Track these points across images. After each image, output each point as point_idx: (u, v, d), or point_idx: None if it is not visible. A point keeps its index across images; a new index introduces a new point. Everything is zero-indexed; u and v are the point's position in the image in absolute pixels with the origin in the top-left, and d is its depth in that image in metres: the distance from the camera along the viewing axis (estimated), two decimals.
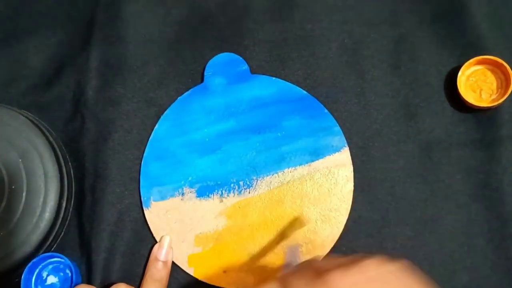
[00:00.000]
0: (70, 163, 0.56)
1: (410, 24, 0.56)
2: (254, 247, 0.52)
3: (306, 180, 0.53)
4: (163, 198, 0.53)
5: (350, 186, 0.52)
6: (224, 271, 0.51)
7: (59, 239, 0.54)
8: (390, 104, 0.55)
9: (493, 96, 0.53)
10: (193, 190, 0.53)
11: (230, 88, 0.56)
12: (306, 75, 0.56)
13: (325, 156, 0.53)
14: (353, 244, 0.52)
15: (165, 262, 0.51)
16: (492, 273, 0.50)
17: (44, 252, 0.52)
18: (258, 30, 0.57)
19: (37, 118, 0.56)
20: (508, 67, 0.52)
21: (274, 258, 0.51)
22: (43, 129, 0.54)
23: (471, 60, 0.53)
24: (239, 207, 0.53)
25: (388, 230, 0.52)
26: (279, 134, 0.54)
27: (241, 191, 0.53)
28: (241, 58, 0.56)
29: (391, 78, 0.55)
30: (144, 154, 0.55)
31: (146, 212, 0.53)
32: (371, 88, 0.55)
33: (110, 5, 0.59)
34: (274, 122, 0.54)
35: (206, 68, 0.56)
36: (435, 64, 0.55)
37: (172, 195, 0.54)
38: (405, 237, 0.52)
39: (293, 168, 0.53)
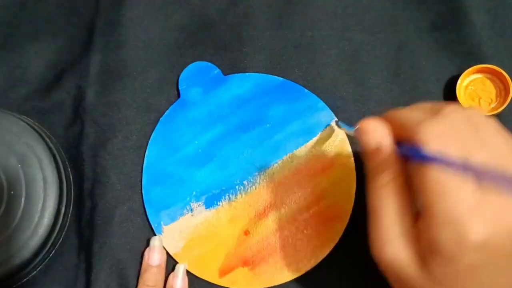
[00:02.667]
0: (69, 169, 0.56)
1: (410, 32, 0.57)
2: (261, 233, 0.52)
3: (306, 160, 0.53)
4: (173, 219, 0.53)
5: (348, 149, 0.53)
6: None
7: (58, 245, 0.54)
8: None
9: (492, 105, 0.53)
10: (200, 203, 0.53)
11: (208, 95, 0.56)
12: (306, 83, 0.56)
13: (317, 133, 0.54)
14: (353, 248, 0.52)
15: (158, 266, 0.51)
16: None
17: (43, 258, 0.52)
18: (258, 37, 0.57)
19: (37, 124, 0.56)
20: (507, 76, 0.52)
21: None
22: (43, 134, 0.54)
23: (470, 69, 0.53)
24: (249, 205, 0.53)
25: None
26: (268, 125, 0.54)
27: (247, 190, 0.53)
28: (209, 63, 0.56)
29: (390, 85, 0.56)
30: (143, 183, 0.54)
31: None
32: (371, 95, 0.55)
33: (111, 11, 0.59)
34: (259, 115, 0.55)
35: (180, 83, 0.56)
36: (434, 72, 0.55)
37: (181, 214, 0.53)
38: None
39: (291, 153, 0.54)
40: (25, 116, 0.56)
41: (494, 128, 0.35)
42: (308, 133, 0.54)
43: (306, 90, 0.55)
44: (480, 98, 0.53)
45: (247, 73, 0.56)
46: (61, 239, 0.54)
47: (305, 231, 0.52)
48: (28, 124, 0.53)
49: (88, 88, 0.57)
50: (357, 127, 0.40)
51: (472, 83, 0.54)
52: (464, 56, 0.55)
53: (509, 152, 0.33)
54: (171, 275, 0.52)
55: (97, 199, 0.54)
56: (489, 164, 0.32)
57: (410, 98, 0.55)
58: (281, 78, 0.56)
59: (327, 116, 0.54)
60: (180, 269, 0.51)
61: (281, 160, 0.54)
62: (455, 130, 0.33)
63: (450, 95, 0.54)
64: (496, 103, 0.53)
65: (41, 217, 0.50)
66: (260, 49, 0.57)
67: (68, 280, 0.53)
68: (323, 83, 0.56)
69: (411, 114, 0.37)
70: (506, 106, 0.52)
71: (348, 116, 0.55)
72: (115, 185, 0.55)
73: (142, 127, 0.56)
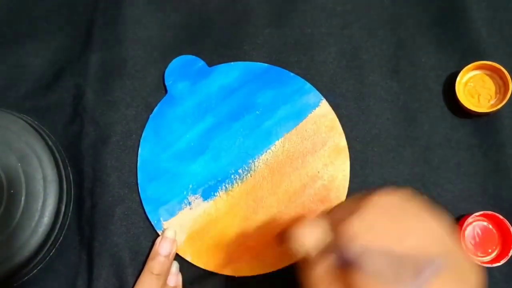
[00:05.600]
0: (69, 167, 0.56)
1: (409, 29, 0.57)
2: (262, 216, 0.53)
3: (298, 143, 0.54)
4: (172, 215, 0.53)
5: (338, 127, 0.54)
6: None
7: (58, 244, 0.54)
8: (389, 109, 0.55)
9: (492, 102, 0.53)
10: (197, 196, 0.54)
11: (195, 88, 0.56)
12: (305, 80, 0.56)
13: (307, 116, 0.54)
14: None
15: (166, 256, 0.51)
16: (491, 278, 0.51)
17: (43, 256, 0.52)
18: (257, 34, 0.57)
19: (36, 122, 0.56)
20: (506, 72, 0.52)
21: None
22: (43, 133, 0.54)
23: (469, 66, 0.53)
24: (247, 193, 0.53)
25: None
26: (257, 112, 0.55)
27: (243, 178, 0.54)
28: (193, 56, 0.56)
29: (390, 82, 0.56)
30: (138, 181, 0.54)
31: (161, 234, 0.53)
32: (370, 93, 0.55)
33: (110, 9, 0.59)
34: (248, 103, 0.55)
35: (165, 78, 0.56)
36: (434, 69, 0.55)
37: (180, 209, 0.53)
38: None
39: (282, 138, 0.54)
40: (24, 115, 0.56)
41: (417, 215, 0.33)
42: (297, 116, 0.54)
43: (292, 74, 0.55)
44: (479, 95, 0.53)
45: (232, 63, 0.56)
46: (61, 237, 0.54)
47: (304, 213, 0.52)
48: (28, 123, 0.53)
49: (87, 87, 0.57)
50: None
51: (472, 80, 0.54)
52: (463, 53, 0.55)
53: (432, 239, 0.32)
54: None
55: (97, 198, 0.54)
56: (413, 254, 0.31)
57: (410, 95, 0.55)
58: (266, 64, 0.56)
59: (315, 97, 0.55)
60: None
61: (274, 145, 0.54)
62: (374, 225, 0.32)
63: (449, 92, 0.54)
64: (496, 99, 0.53)
65: (41, 215, 0.51)
66: (259, 47, 0.57)
67: (68, 278, 0.53)
68: (322, 80, 0.56)
69: (334, 215, 0.36)
70: (506, 103, 0.52)
71: (348, 113, 0.55)
72: (114, 184, 0.55)
73: (141, 126, 0.56)
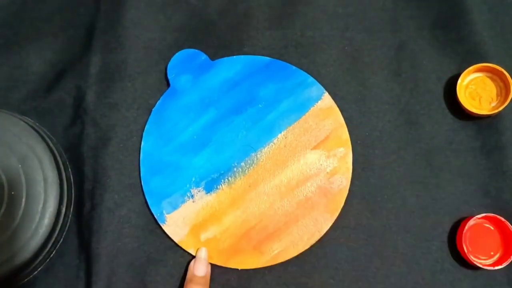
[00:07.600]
0: (69, 169, 0.55)
1: (410, 31, 0.57)
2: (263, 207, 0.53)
3: (300, 136, 0.54)
4: (175, 207, 0.53)
5: (341, 120, 0.54)
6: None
7: (58, 245, 0.54)
8: (391, 111, 0.55)
9: (493, 104, 0.53)
10: (200, 189, 0.54)
11: (197, 81, 0.56)
12: None
13: (309, 109, 0.55)
14: (353, 253, 0.52)
15: (204, 277, 0.51)
16: (493, 281, 0.50)
17: (44, 258, 0.52)
18: (258, 37, 0.57)
19: (37, 124, 0.56)
20: (507, 74, 0.52)
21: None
22: (43, 134, 0.54)
23: (470, 68, 0.53)
24: (249, 186, 0.53)
25: (389, 238, 0.52)
26: (260, 106, 0.55)
27: (245, 171, 0.54)
28: (196, 50, 0.57)
29: (391, 85, 0.56)
30: (141, 174, 0.54)
31: (164, 227, 0.53)
32: (371, 95, 0.55)
33: (111, 11, 0.59)
34: (251, 96, 0.55)
35: (168, 72, 0.56)
36: (435, 71, 0.55)
37: (183, 201, 0.54)
38: (406, 244, 0.52)
39: (285, 131, 0.54)
40: (25, 117, 0.56)
41: None
42: (300, 109, 0.55)
43: (294, 68, 0.56)
44: (480, 97, 0.53)
45: (234, 56, 0.56)
46: (61, 239, 0.54)
47: (306, 205, 0.53)
48: (29, 125, 0.53)
49: (88, 89, 0.57)
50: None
51: (473, 82, 0.54)
52: (465, 55, 0.55)
53: None
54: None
55: (97, 200, 0.54)
56: None
57: (411, 97, 0.55)
58: (268, 58, 0.56)
59: (317, 90, 0.55)
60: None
61: (276, 138, 0.54)
62: None
63: (450, 94, 0.54)
64: (497, 102, 0.53)
65: (41, 217, 0.50)
66: (260, 49, 0.57)
67: (69, 281, 0.53)
68: (323, 83, 0.56)
69: None
70: (507, 105, 0.52)
71: (349, 116, 0.55)
72: (115, 186, 0.54)
73: (142, 127, 0.56)
